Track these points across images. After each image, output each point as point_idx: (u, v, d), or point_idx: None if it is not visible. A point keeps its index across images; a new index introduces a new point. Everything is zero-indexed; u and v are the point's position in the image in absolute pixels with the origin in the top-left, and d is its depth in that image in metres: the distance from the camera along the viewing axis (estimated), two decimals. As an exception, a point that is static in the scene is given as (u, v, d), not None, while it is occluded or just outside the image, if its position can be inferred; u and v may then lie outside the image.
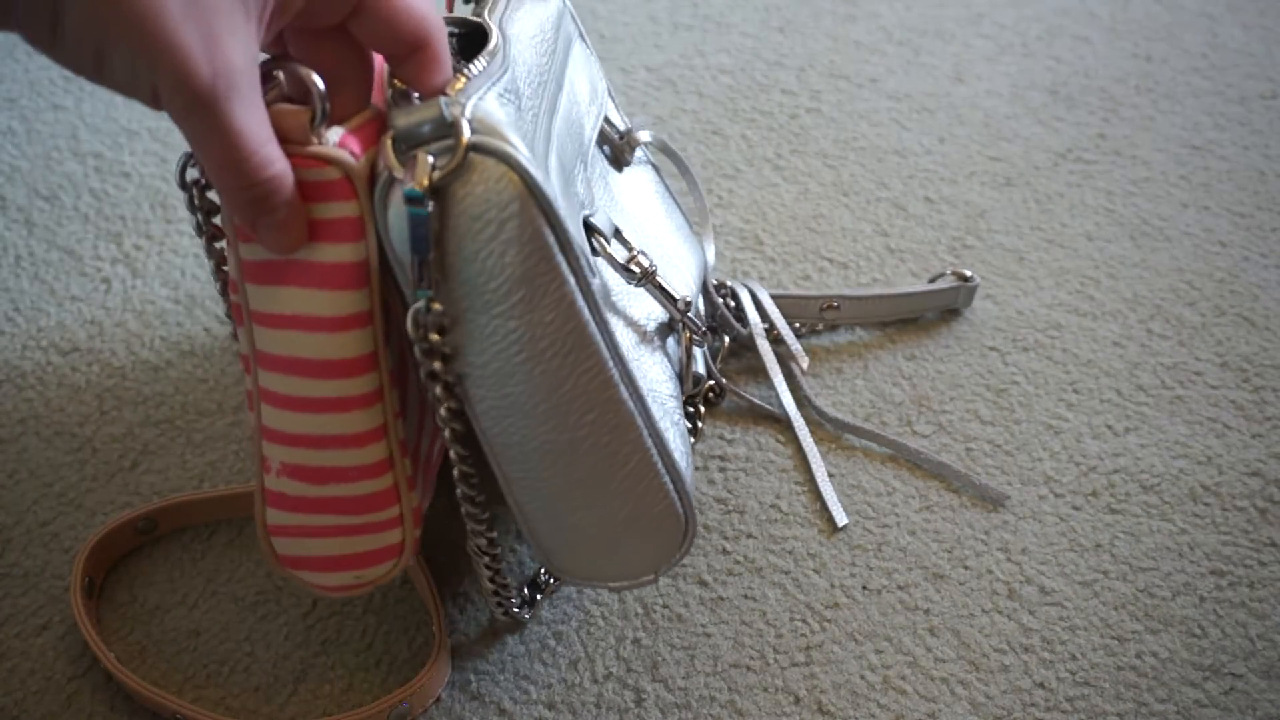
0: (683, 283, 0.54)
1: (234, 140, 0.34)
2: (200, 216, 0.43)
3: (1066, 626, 0.51)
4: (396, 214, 0.36)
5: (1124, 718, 0.48)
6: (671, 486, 0.43)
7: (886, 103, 0.79)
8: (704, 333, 0.51)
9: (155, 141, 0.78)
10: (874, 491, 0.56)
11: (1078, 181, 0.73)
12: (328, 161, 0.37)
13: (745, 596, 0.52)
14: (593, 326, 0.39)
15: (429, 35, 0.37)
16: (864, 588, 0.52)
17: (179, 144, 0.78)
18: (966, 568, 0.53)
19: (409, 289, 0.37)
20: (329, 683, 0.49)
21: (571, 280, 0.38)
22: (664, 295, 0.46)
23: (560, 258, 0.37)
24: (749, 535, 0.54)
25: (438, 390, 0.39)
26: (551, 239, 0.37)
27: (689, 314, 0.49)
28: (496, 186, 0.36)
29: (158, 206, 0.73)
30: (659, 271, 0.46)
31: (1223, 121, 0.76)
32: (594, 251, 0.44)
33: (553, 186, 0.38)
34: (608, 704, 0.48)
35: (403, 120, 0.36)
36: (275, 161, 0.35)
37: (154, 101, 0.33)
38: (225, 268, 0.45)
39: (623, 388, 0.41)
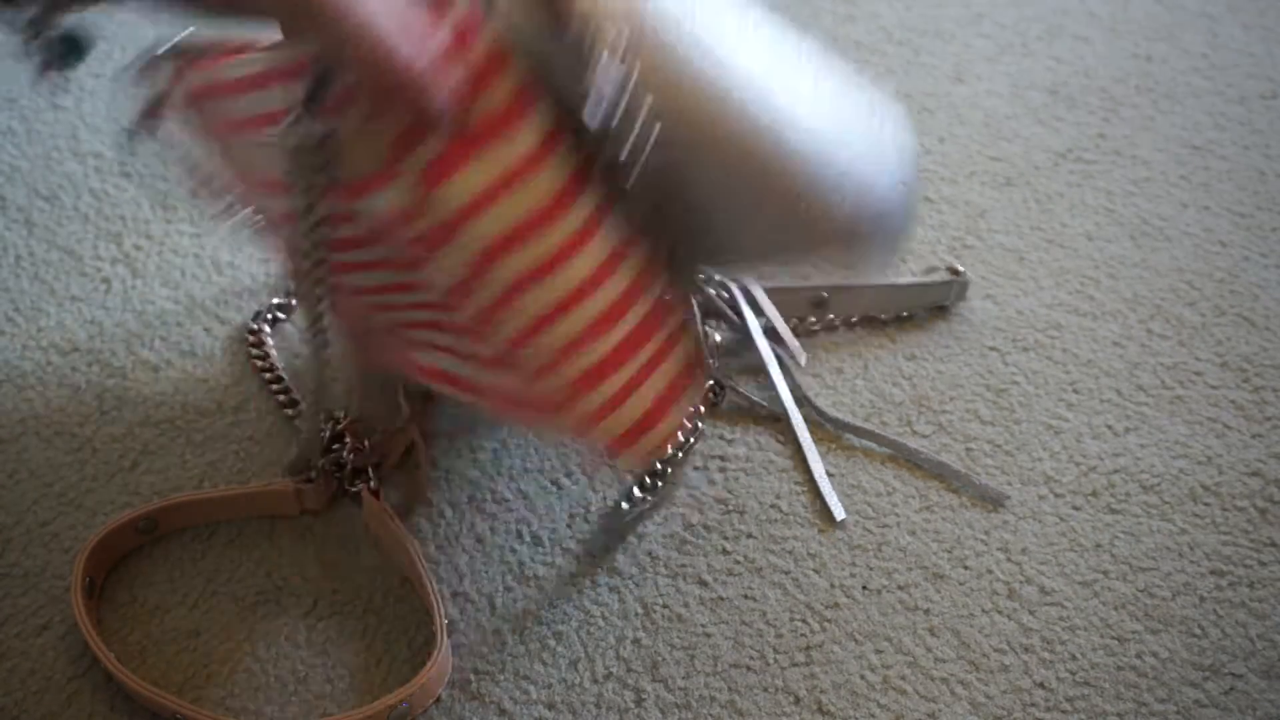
0: None
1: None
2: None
3: (1066, 626, 0.51)
4: None
5: (1124, 717, 0.48)
6: None
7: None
8: None
9: (155, 141, 0.78)
10: (874, 491, 0.56)
11: (1078, 181, 0.73)
12: None
13: (745, 596, 0.52)
14: None
15: None
16: (864, 588, 0.52)
17: (179, 144, 0.78)
18: (966, 568, 0.53)
19: None
20: (329, 683, 0.49)
21: None
22: None
23: None
24: (749, 535, 0.54)
25: None
26: None
27: None
28: None
29: (158, 206, 0.73)
30: None
31: (1223, 121, 0.76)
32: None
33: None
34: (608, 704, 0.48)
35: None
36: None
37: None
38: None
39: None
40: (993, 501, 0.55)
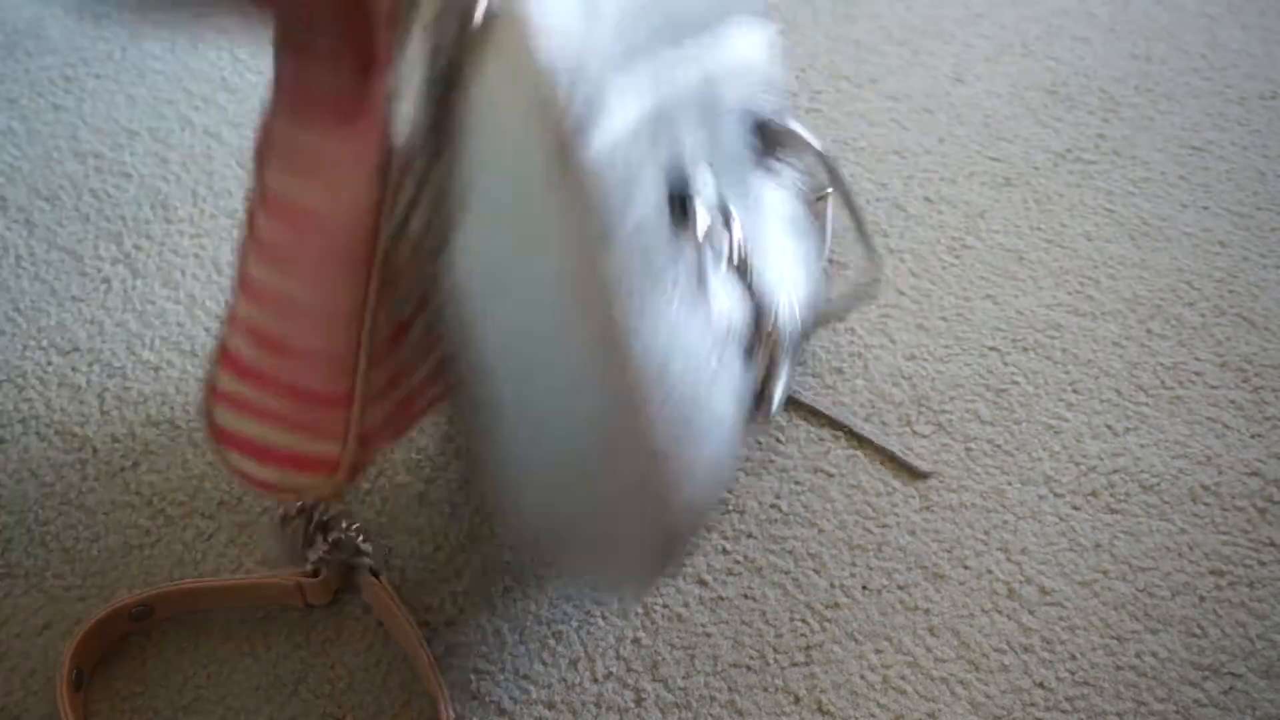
0: (782, 302, 0.48)
1: None
2: None
3: (1066, 626, 0.51)
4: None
5: (1123, 717, 0.48)
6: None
7: (886, 103, 0.79)
8: (792, 357, 0.46)
9: (156, 142, 0.78)
10: (874, 491, 0.56)
11: (1077, 181, 0.73)
12: None
13: (745, 596, 0.52)
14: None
15: None
16: (864, 588, 0.52)
17: (179, 144, 0.78)
18: (966, 568, 0.53)
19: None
20: (329, 682, 0.49)
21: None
22: (751, 295, 0.42)
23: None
24: (749, 535, 0.54)
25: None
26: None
27: (775, 327, 0.44)
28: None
29: (158, 206, 0.73)
30: (756, 270, 0.42)
31: (1222, 122, 0.76)
32: (682, 211, 0.39)
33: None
34: (608, 704, 0.48)
35: None
36: None
37: None
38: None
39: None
40: (918, 475, 0.55)
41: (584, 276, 0.31)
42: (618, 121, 0.31)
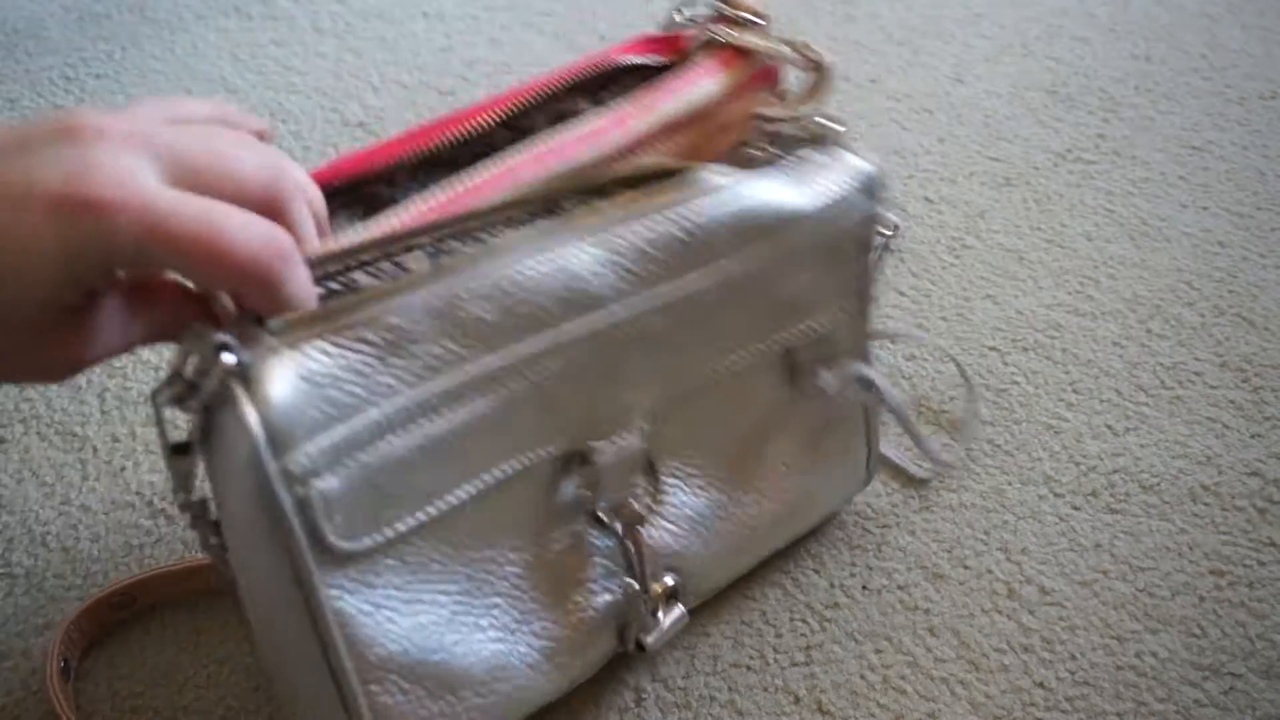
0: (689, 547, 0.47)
1: None
2: None
3: (1066, 626, 0.51)
4: None
5: (1123, 717, 0.48)
6: None
7: (886, 103, 0.79)
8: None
9: (155, 142, 0.78)
10: (874, 492, 0.56)
11: (1077, 181, 0.73)
12: None
13: (745, 596, 0.52)
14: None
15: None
16: (864, 588, 0.52)
17: (179, 144, 0.78)
18: (966, 568, 0.53)
19: None
20: None
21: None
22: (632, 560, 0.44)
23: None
24: (749, 535, 0.54)
25: None
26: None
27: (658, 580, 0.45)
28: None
29: (158, 206, 0.73)
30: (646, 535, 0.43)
31: (1222, 122, 0.76)
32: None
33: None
34: (608, 704, 0.48)
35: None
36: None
37: None
38: None
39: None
40: (942, 466, 0.55)
41: (274, 597, 0.35)
42: (333, 481, 0.33)
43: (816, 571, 0.53)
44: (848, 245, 0.45)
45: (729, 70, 0.46)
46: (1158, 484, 0.56)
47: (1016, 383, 0.61)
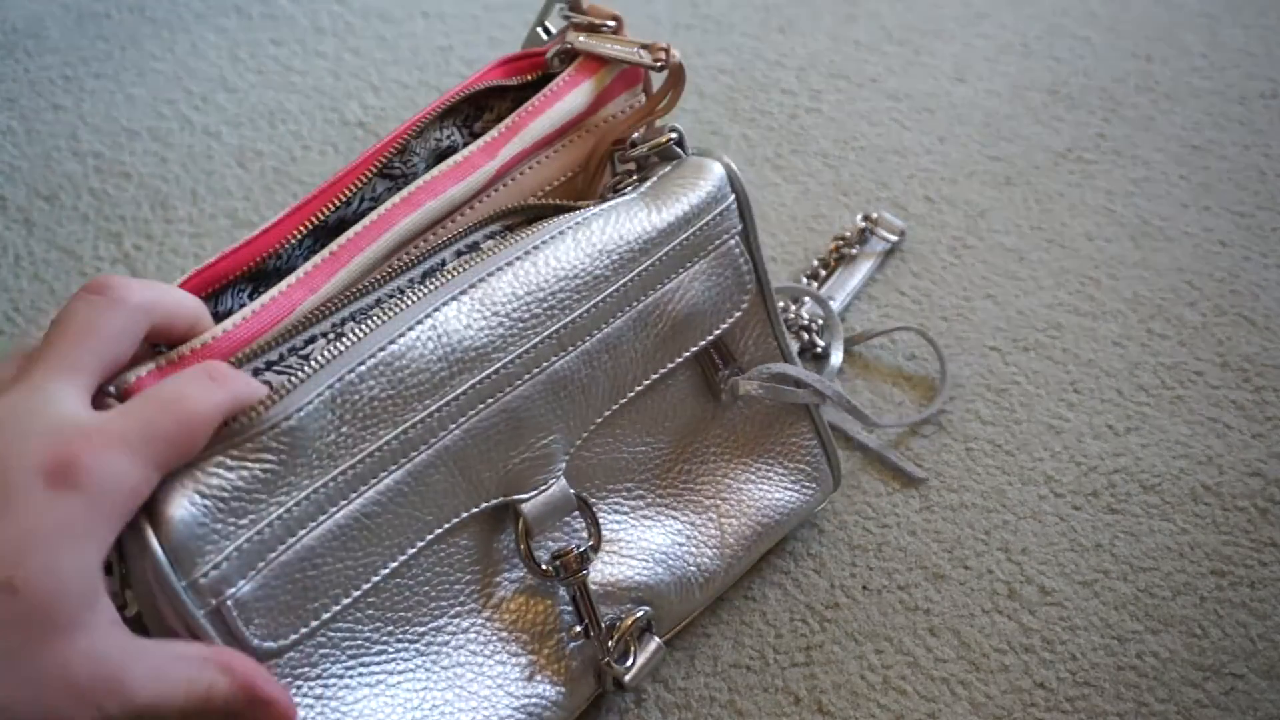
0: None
1: None
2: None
3: (1067, 626, 0.51)
4: None
5: (1124, 718, 0.48)
6: None
7: (886, 102, 0.79)
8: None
9: (155, 141, 0.78)
10: (874, 492, 0.56)
11: (1078, 181, 0.72)
12: None
13: (745, 596, 0.52)
14: None
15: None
16: (864, 588, 0.52)
17: (178, 143, 0.78)
18: (967, 568, 0.53)
19: None
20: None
21: None
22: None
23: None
24: (749, 535, 0.54)
25: None
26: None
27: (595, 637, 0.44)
28: None
29: (158, 206, 0.73)
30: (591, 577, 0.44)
31: (1223, 121, 0.76)
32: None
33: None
34: (608, 704, 0.48)
35: None
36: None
37: None
38: None
39: None
40: (914, 482, 0.55)
41: None
42: (246, 587, 0.35)
43: (817, 572, 0.53)
44: (722, 241, 0.45)
45: (592, 78, 0.46)
46: (1159, 484, 0.56)
47: (1017, 382, 0.61)
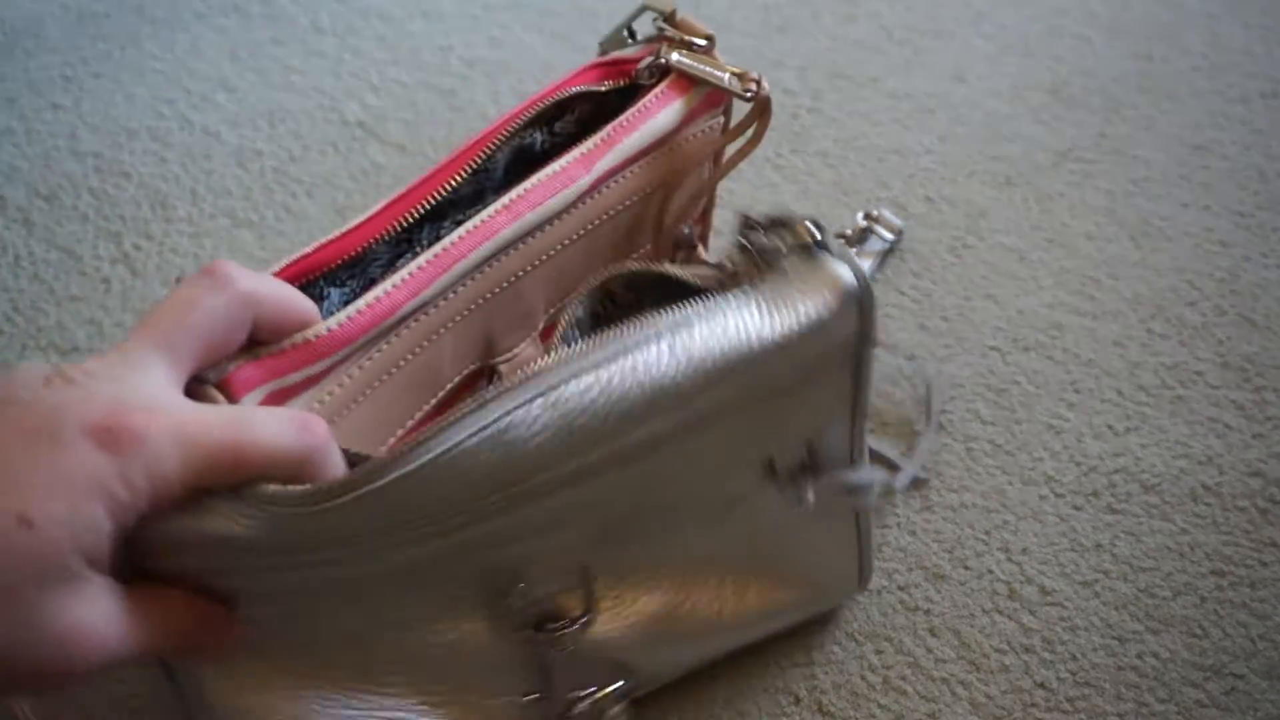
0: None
1: None
2: None
3: (1067, 627, 0.51)
4: None
5: (1125, 718, 0.47)
6: None
7: (886, 102, 0.79)
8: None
9: (155, 141, 0.78)
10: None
11: (1078, 181, 0.72)
12: None
13: (745, 597, 0.52)
14: None
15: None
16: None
17: (178, 143, 0.78)
18: (967, 568, 0.53)
19: None
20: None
21: None
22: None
23: None
24: (749, 535, 0.54)
25: None
26: None
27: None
28: None
29: (157, 206, 0.73)
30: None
31: (1223, 121, 0.76)
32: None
33: None
34: (607, 704, 0.48)
35: None
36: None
37: None
38: None
39: None
40: (915, 483, 0.55)
41: None
42: None
43: (817, 572, 0.53)
44: (834, 361, 0.40)
45: (683, 97, 0.46)
46: (1159, 484, 0.56)
47: (1017, 382, 0.61)
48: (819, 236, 0.38)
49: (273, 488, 0.32)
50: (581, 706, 0.43)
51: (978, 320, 0.64)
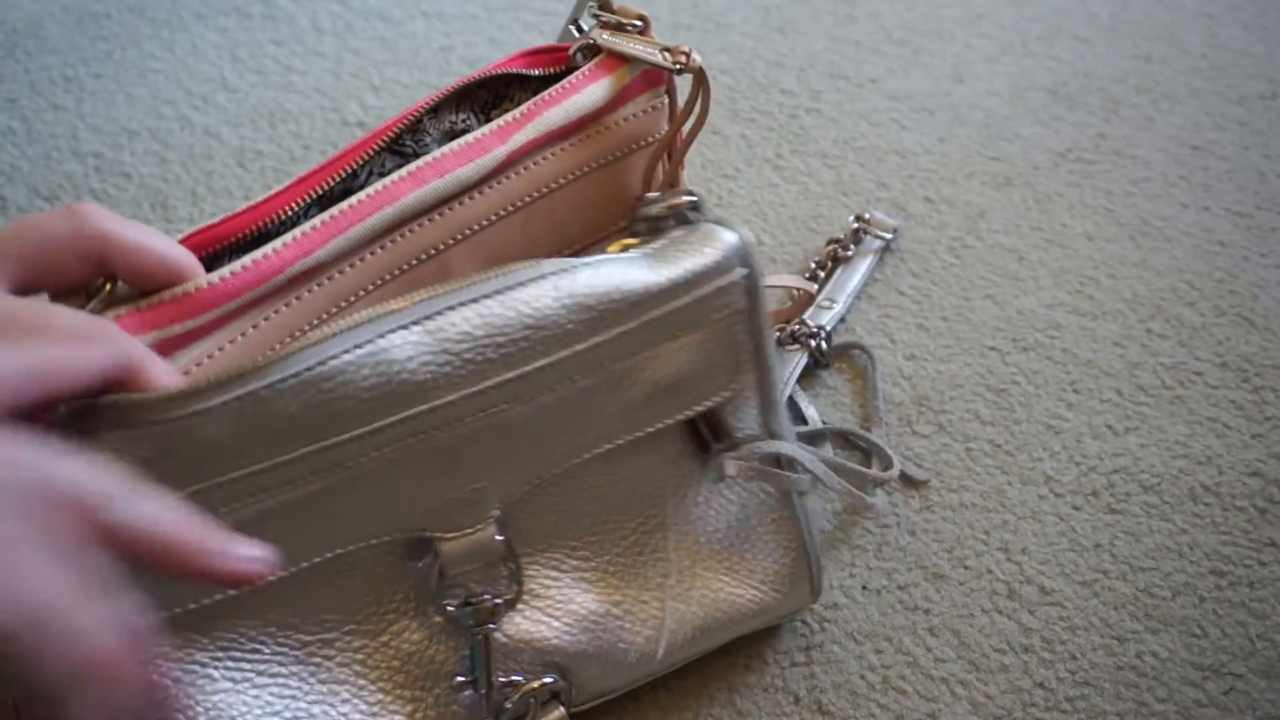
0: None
1: None
2: None
3: (1066, 626, 0.51)
4: None
5: (1124, 718, 0.48)
6: None
7: (886, 103, 0.79)
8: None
9: (155, 141, 0.78)
10: (873, 492, 0.56)
11: (1078, 181, 0.73)
12: None
13: (745, 596, 0.52)
14: None
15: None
16: (864, 588, 0.52)
17: (178, 143, 0.78)
18: (966, 568, 0.53)
19: None
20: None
21: None
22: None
23: None
24: (749, 535, 0.54)
25: None
26: None
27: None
28: None
29: (157, 206, 0.73)
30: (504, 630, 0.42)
31: (1222, 121, 0.76)
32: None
33: None
34: (608, 705, 0.48)
35: None
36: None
37: None
38: None
39: None
40: (915, 484, 0.55)
41: None
42: None
43: (816, 571, 0.53)
44: (724, 319, 0.41)
45: (611, 75, 0.46)
46: (1158, 484, 0.56)
47: (1016, 382, 0.61)
48: (695, 201, 0.43)
49: (138, 395, 0.33)
50: (513, 698, 0.43)
51: (977, 320, 0.64)
